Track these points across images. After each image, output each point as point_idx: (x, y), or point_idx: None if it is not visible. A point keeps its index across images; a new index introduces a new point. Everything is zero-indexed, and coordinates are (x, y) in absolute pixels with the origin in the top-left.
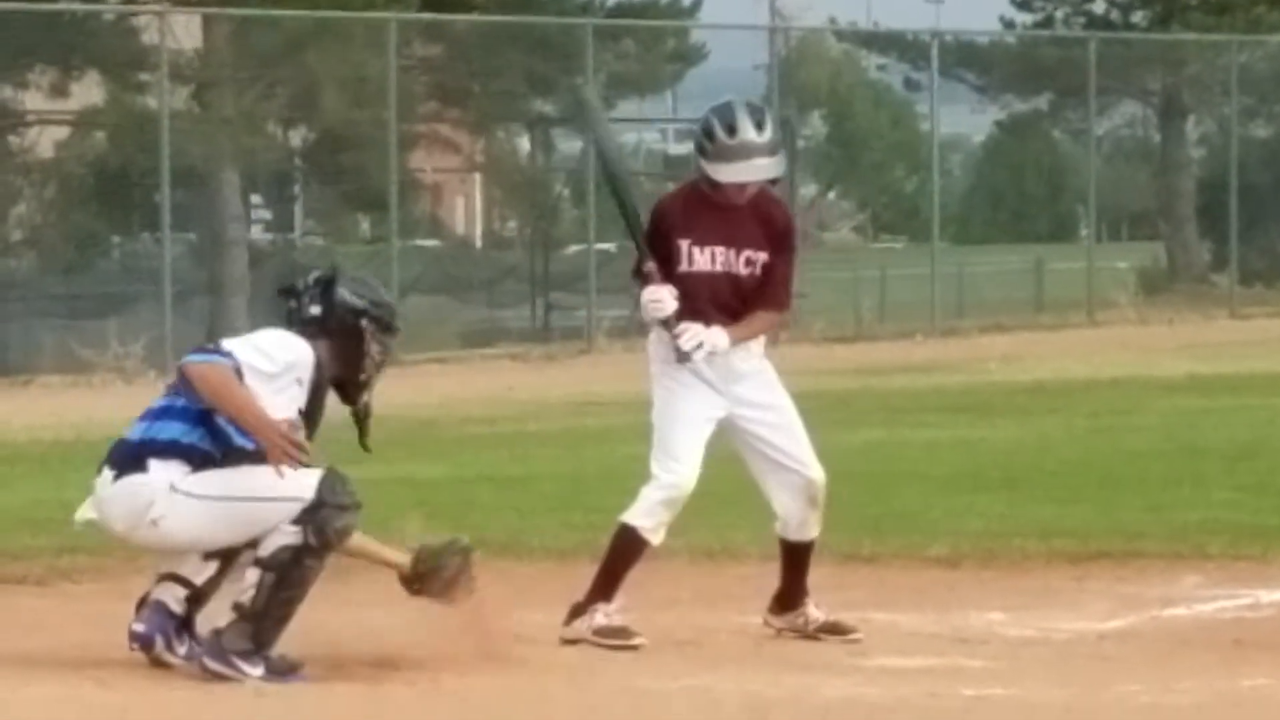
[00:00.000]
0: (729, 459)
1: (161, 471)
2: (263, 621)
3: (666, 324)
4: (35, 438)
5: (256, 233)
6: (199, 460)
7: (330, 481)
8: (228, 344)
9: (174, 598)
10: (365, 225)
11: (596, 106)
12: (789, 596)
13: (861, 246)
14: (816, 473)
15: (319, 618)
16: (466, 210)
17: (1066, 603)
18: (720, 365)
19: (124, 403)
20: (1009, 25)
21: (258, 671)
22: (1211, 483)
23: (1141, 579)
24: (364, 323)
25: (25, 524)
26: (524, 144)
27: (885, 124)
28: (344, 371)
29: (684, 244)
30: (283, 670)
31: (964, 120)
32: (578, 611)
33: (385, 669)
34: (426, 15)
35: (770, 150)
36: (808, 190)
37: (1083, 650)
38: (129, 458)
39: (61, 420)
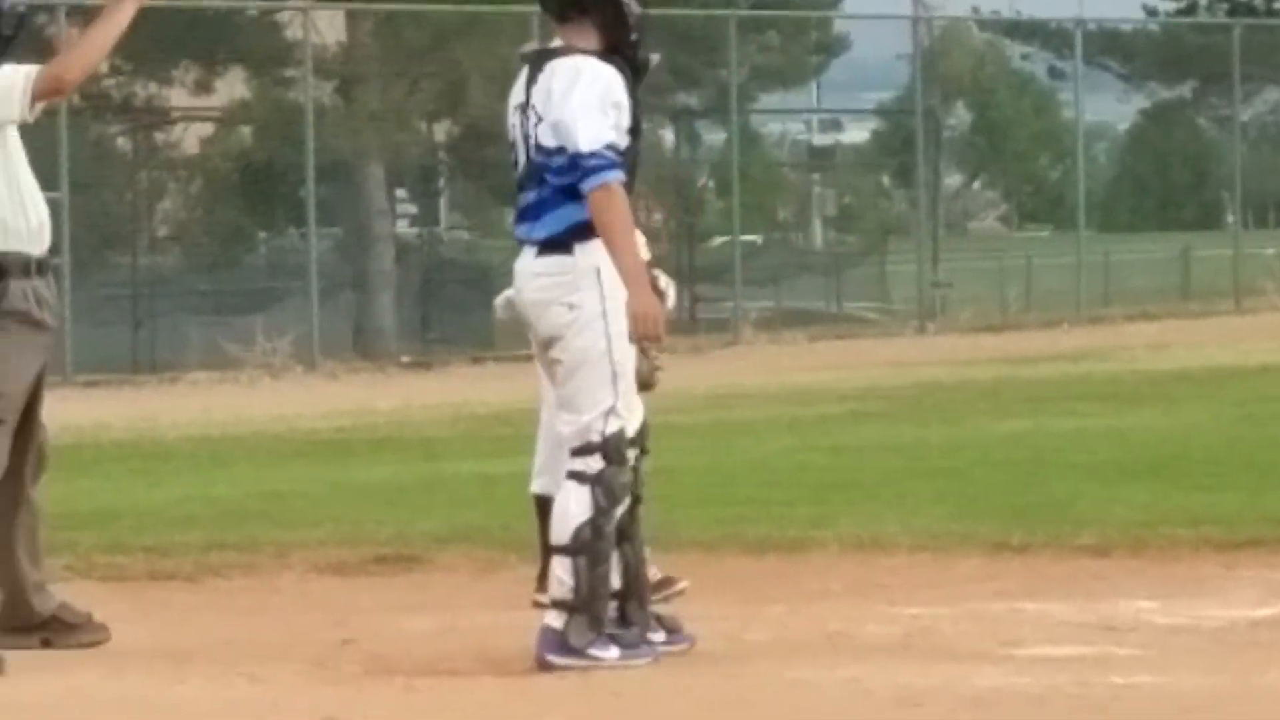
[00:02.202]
0: (876, 449)
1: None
2: (593, 604)
3: None
4: (183, 434)
5: (402, 227)
6: None
7: (618, 438)
8: (573, 140)
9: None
10: (510, 218)
11: None
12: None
13: (1006, 236)
14: None
15: (470, 617)
16: None
17: (1216, 590)
18: None
19: (272, 399)
20: (1152, 13)
21: (612, 654)
22: None
23: None
24: None
25: (176, 520)
26: (668, 136)
27: (1029, 113)
28: (616, 38)
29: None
30: (635, 644)
31: (1108, 108)
32: None
33: (534, 665)
34: None
35: None
36: (952, 180)
37: (1234, 638)
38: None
39: (209, 417)
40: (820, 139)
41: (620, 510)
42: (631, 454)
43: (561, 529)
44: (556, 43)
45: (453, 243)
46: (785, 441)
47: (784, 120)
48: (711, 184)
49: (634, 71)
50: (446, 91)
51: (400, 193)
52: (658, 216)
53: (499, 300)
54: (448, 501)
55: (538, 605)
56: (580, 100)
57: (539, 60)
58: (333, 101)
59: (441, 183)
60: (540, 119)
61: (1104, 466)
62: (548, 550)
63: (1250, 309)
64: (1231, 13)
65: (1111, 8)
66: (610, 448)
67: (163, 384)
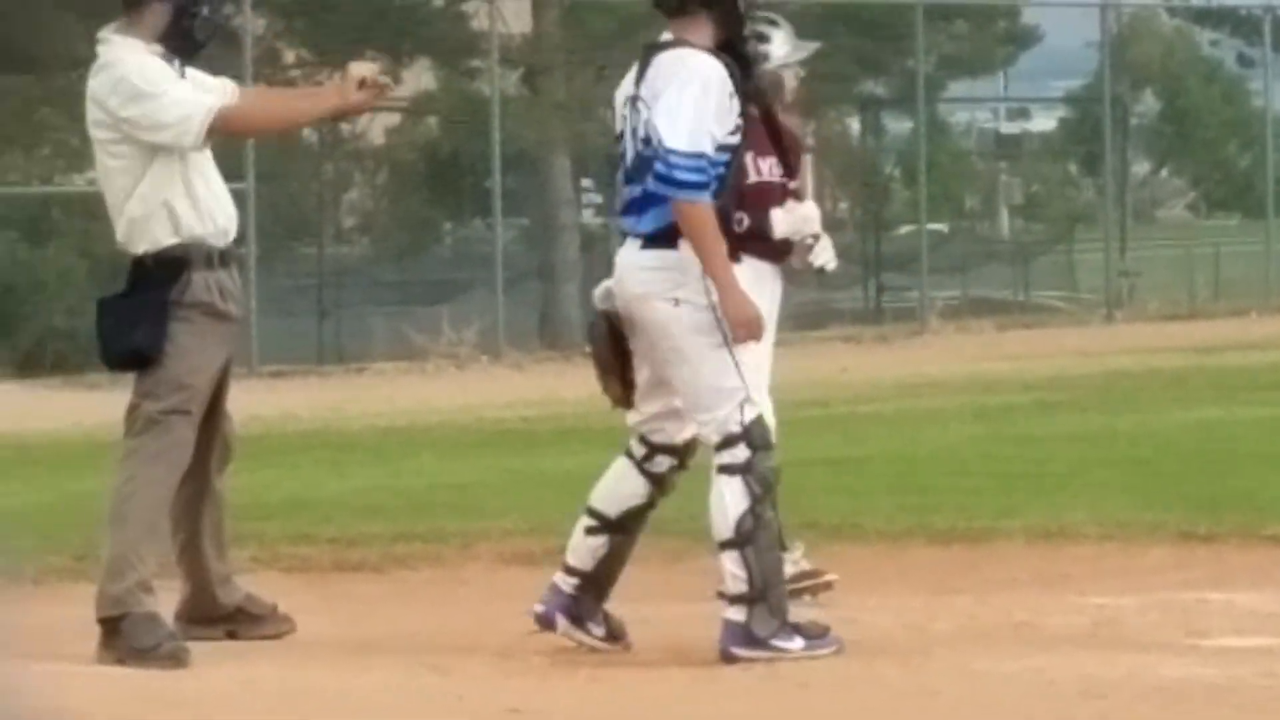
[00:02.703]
0: (1063, 438)
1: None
2: (770, 592)
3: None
4: (369, 425)
5: (588, 217)
6: None
7: (758, 424)
8: (664, 137)
9: (565, 582)
10: None
11: None
12: None
13: (1194, 224)
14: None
15: (656, 608)
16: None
17: None
18: (769, 293)
19: (457, 389)
20: None
21: (798, 645)
22: None
23: None
24: None
25: (362, 511)
26: (854, 125)
27: (1218, 101)
28: (730, 32)
29: (747, 156)
30: (817, 634)
31: None
32: None
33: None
34: None
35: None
36: (1140, 168)
37: None
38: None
39: (395, 407)
40: (1007, 127)
41: (771, 496)
42: (665, 460)
43: (723, 524)
44: (667, 36)
45: None
46: (972, 431)
47: (971, 109)
48: (898, 173)
49: (744, 68)
50: None
51: (586, 182)
52: (843, 205)
53: (598, 291)
54: None
55: (722, 596)
56: (678, 101)
57: (649, 54)
58: (518, 91)
59: None
60: (649, 112)
61: None
62: None
63: None
64: None
65: None
66: (754, 435)
67: (348, 374)
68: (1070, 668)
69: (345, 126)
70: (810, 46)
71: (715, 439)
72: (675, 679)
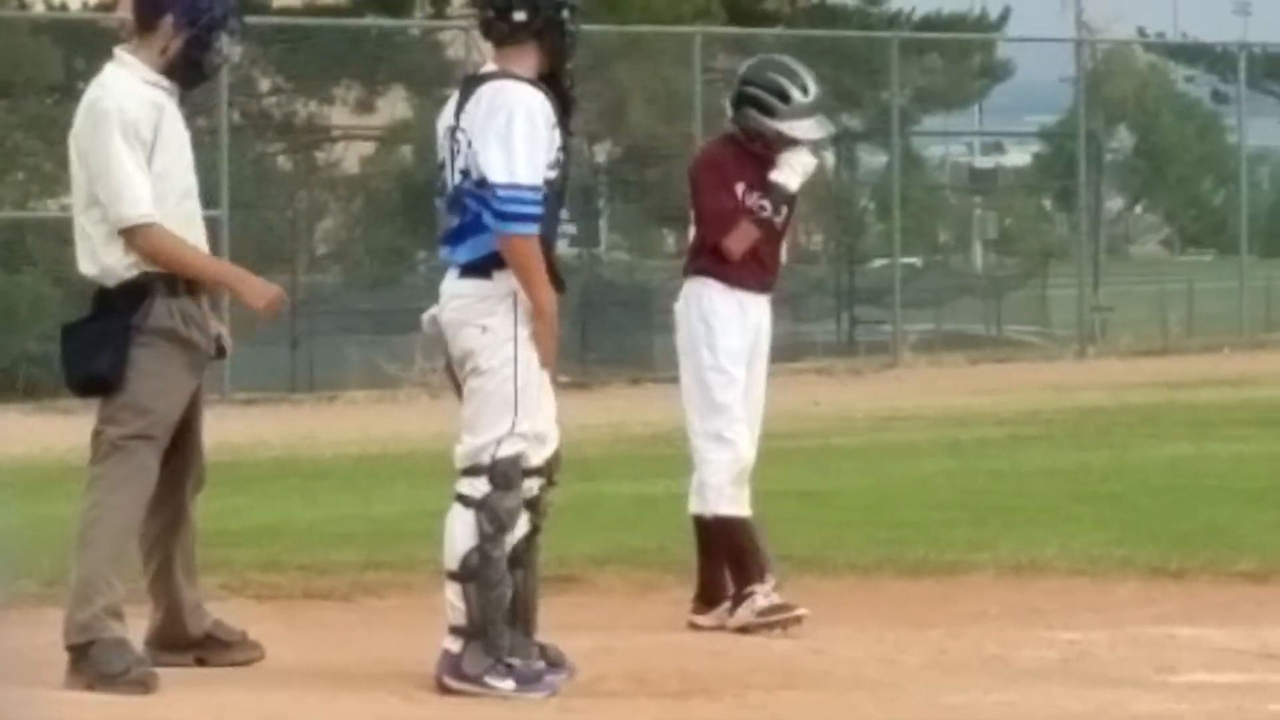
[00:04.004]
0: (1035, 473)
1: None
2: (488, 630)
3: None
4: (341, 453)
5: (562, 247)
6: None
7: (509, 463)
8: (494, 173)
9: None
10: (670, 240)
11: None
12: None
13: (1168, 259)
14: (753, 454)
15: (626, 638)
16: None
17: None
18: (754, 320)
19: (429, 418)
20: None
21: (508, 685)
22: None
23: None
24: (564, 14)
25: (332, 539)
26: (829, 157)
27: (1192, 136)
28: (555, 64)
29: (740, 187)
30: (532, 677)
31: (1272, 133)
32: (739, 600)
33: (690, 686)
34: (733, 29)
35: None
36: (1114, 203)
37: None
38: None
39: (367, 435)
40: (982, 162)
41: (512, 536)
42: (533, 483)
43: (450, 554)
44: (490, 67)
45: (612, 264)
46: (944, 464)
47: (946, 143)
48: (872, 206)
49: (564, 103)
50: (607, 112)
51: (560, 213)
52: (817, 238)
53: (425, 316)
54: (605, 522)
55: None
56: (506, 135)
57: (469, 84)
58: None
59: (601, 203)
60: (469, 144)
61: (1264, 492)
62: (703, 570)
63: None
64: None
65: (1276, 31)
66: (498, 472)
67: (321, 402)
68: (1040, 702)
69: (320, 155)
70: (829, 128)
71: (462, 464)
72: (644, 710)
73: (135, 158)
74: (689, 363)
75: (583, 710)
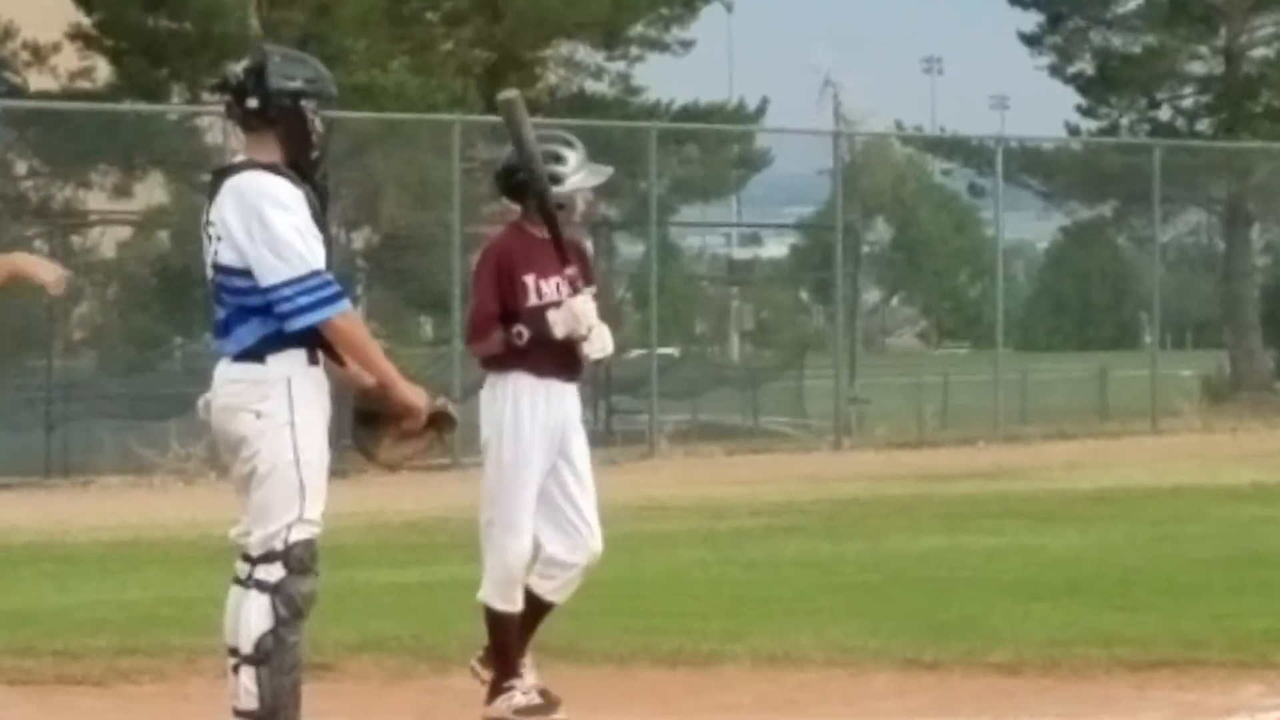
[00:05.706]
0: (790, 563)
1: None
2: (280, 715)
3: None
4: (95, 538)
5: None
6: None
7: (302, 547)
8: (272, 276)
9: None
10: (428, 327)
11: (521, 109)
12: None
13: (924, 352)
14: (600, 543)
15: None
16: None
17: (1128, 710)
18: (560, 411)
19: (184, 504)
20: (1074, 132)
21: None
22: (1275, 591)
23: (1203, 687)
24: (303, 103)
25: (85, 624)
26: (587, 246)
27: (949, 229)
28: (297, 153)
29: (529, 279)
30: None
31: (1028, 226)
32: (497, 690)
33: None
34: (490, 118)
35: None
36: (870, 295)
37: None
38: None
39: (121, 521)
40: (739, 253)
41: (304, 621)
42: (310, 566)
43: (244, 637)
44: (240, 156)
45: None
46: (699, 554)
47: (703, 233)
48: (629, 296)
49: (313, 188)
50: (364, 199)
51: None
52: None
53: (200, 402)
54: (359, 610)
55: (236, 711)
56: (267, 229)
57: (218, 177)
58: None
59: (359, 290)
60: (220, 237)
61: (1018, 585)
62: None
63: (1167, 430)
64: (1153, 133)
65: (1033, 126)
66: (292, 557)
67: (75, 487)
68: None
69: (76, 239)
70: (604, 172)
71: (257, 551)
72: None
73: None
74: (489, 452)
75: None
